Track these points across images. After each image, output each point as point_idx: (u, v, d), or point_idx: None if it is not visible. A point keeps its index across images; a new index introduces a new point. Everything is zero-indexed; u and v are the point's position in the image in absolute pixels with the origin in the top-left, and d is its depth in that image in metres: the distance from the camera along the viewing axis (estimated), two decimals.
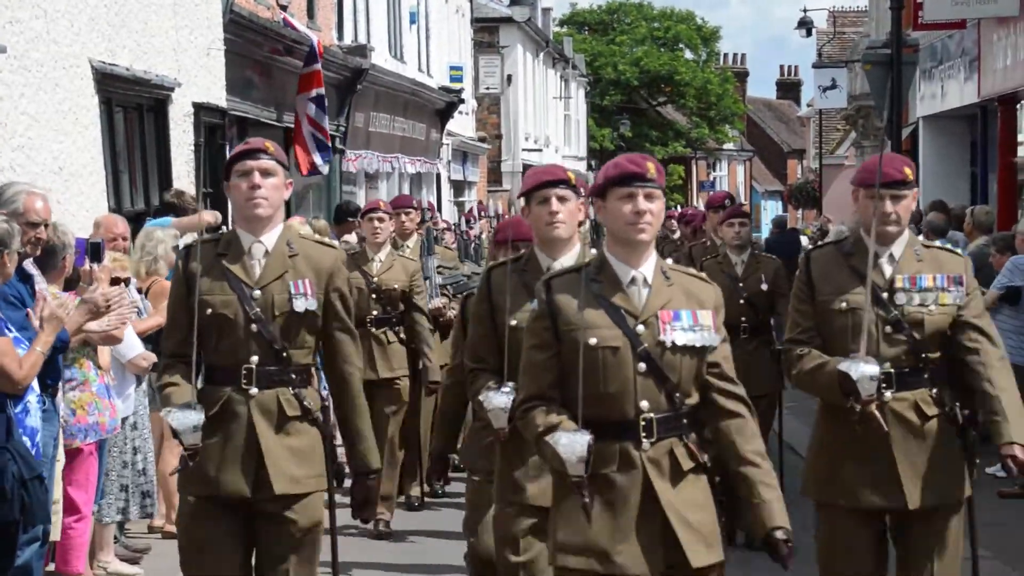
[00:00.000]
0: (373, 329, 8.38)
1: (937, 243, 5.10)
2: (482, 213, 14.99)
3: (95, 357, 6.66)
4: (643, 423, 3.90)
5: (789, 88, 63.49)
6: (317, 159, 15.73)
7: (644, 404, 3.90)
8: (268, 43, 15.25)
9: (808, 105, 48.87)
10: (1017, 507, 8.85)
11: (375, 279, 8.42)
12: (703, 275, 4.16)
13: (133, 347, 7.13)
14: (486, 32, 32.69)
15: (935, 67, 19.36)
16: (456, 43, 28.14)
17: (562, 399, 3.95)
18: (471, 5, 30.27)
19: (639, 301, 3.98)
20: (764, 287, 8.46)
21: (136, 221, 9.72)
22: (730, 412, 3.99)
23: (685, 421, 3.97)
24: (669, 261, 4.23)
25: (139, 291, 7.54)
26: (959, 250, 5.02)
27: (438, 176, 26.17)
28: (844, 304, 4.80)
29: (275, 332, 4.58)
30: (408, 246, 9.05)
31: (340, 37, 19.28)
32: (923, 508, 4.78)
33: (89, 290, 5.91)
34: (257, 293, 4.60)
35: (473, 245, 14.62)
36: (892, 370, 4.73)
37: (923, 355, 4.78)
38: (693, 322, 3.97)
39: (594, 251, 7.58)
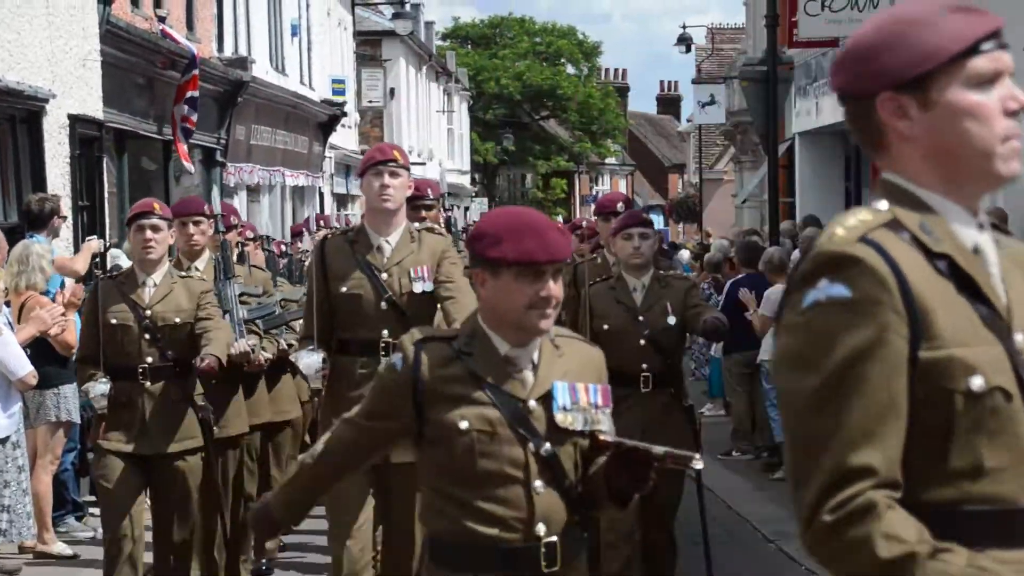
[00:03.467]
0: (147, 383, 6.08)
1: None
2: (321, 224, 11.89)
3: None
4: None
5: (669, 103, 64.31)
6: (184, 147, 15.68)
7: None
8: (147, 54, 15.04)
9: (688, 120, 49.54)
10: None
11: (147, 311, 6.14)
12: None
13: (23, 365, 7.09)
14: (369, 45, 32.59)
15: (810, 84, 19.75)
16: (338, 56, 28.02)
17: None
18: (353, 18, 30.17)
19: None
20: (671, 321, 6.28)
21: (9, 234, 9.52)
22: None
23: None
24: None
25: (7, 304, 7.44)
26: None
27: (321, 190, 26.02)
28: None
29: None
30: (198, 268, 6.76)
31: (220, 49, 19.08)
32: None
33: None
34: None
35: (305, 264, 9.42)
36: None
37: None
38: None
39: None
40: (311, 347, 5.45)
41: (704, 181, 40.20)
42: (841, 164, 19.74)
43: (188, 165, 15.93)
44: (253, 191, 21.12)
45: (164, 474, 6.15)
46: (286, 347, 7.00)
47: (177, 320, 6.15)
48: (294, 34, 23.48)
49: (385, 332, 5.46)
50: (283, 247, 10.11)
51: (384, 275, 5.53)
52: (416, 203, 6.60)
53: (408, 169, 5.62)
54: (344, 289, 5.52)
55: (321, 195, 26.25)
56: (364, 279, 5.54)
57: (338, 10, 28.14)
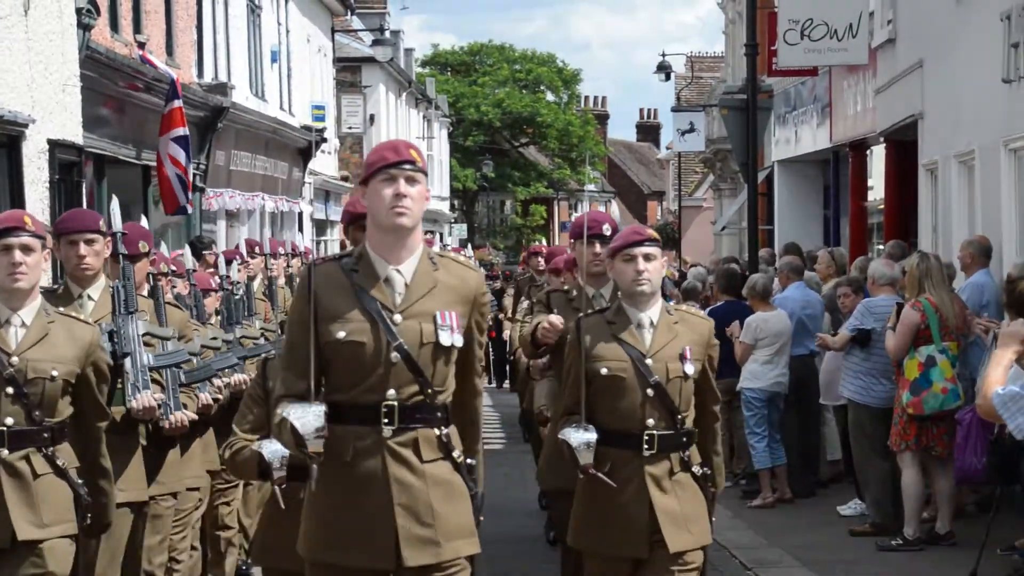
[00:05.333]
0: (3, 452, 4.77)
1: None
2: (256, 250, 10.09)
3: None
4: None
5: (649, 131, 64.57)
6: (182, 199, 15.51)
7: None
8: (126, 80, 15.03)
9: (667, 148, 49.71)
10: (867, 544, 9.05)
11: (12, 359, 4.80)
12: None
13: None
14: (348, 72, 32.66)
15: (789, 112, 19.86)
16: (318, 82, 28.05)
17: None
18: (333, 44, 30.23)
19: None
20: (689, 369, 5.00)
21: None
22: None
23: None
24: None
25: None
26: None
27: (300, 215, 26.01)
28: None
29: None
30: (91, 297, 5.61)
31: (200, 75, 19.08)
32: None
33: None
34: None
35: (240, 297, 7.60)
36: None
37: None
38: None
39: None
40: (307, 401, 4.02)
41: (683, 208, 40.36)
42: (820, 192, 19.83)
43: (166, 213, 15.53)
44: (232, 216, 21.10)
45: (23, 565, 4.74)
46: (211, 402, 6.00)
47: (54, 373, 4.79)
48: (274, 60, 23.51)
49: (391, 393, 4.08)
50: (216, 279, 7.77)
51: (397, 317, 4.11)
52: (362, 223, 4.65)
53: (427, 174, 4.16)
54: (341, 335, 4.09)
55: (301, 220, 26.24)
56: (368, 322, 4.10)
57: (318, 36, 28.19)
